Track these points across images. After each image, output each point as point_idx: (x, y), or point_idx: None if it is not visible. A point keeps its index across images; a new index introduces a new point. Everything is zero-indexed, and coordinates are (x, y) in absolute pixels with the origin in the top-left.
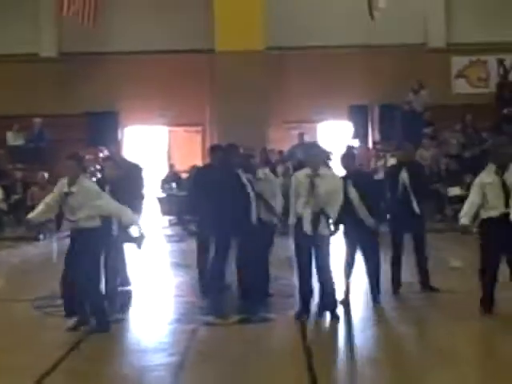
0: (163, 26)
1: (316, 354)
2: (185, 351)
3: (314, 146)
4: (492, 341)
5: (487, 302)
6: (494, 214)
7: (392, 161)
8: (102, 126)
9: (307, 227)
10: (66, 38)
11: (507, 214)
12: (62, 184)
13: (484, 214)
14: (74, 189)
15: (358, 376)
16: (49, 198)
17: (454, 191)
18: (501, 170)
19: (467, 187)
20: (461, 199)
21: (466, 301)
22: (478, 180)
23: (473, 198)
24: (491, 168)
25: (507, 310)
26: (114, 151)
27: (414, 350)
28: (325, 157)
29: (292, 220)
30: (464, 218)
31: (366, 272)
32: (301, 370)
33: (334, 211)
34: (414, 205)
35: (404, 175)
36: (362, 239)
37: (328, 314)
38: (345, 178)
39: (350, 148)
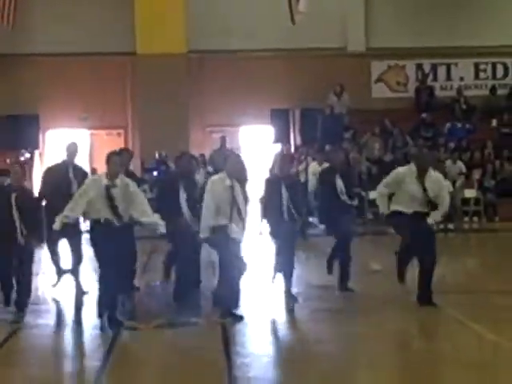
0: (84, 28)
1: (237, 356)
2: (106, 356)
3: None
4: (408, 341)
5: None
6: (406, 210)
7: (313, 165)
8: (22, 129)
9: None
10: None
11: (419, 213)
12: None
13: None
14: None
15: (277, 379)
16: None
17: (375, 195)
18: (422, 176)
19: None
20: None
21: (386, 304)
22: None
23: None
24: (413, 171)
25: (424, 310)
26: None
27: (332, 352)
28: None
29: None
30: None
31: (283, 273)
32: (221, 373)
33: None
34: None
35: (339, 181)
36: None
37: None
38: (278, 181)
39: (284, 154)
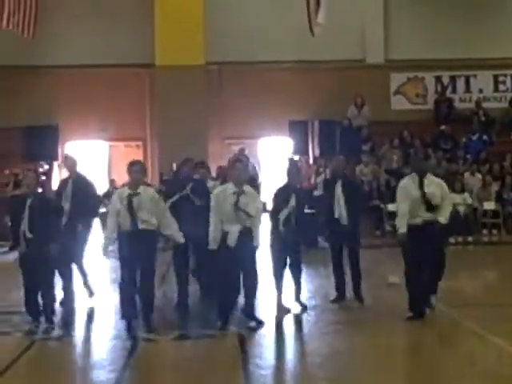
0: (103, 40)
1: (254, 368)
2: (124, 368)
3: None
4: (427, 353)
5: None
6: (417, 221)
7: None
8: (40, 141)
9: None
10: (4, 50)
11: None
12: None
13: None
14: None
15: None
16: None
17: (394, 207)
18: (420, 180)
19: None
20: None
21: (403, 316)
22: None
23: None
24: (414, 178)
25: (442, 323)
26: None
27: (349, 364)
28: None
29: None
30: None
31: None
32: None
33: (257, 227)
34: (345, 218)
35: (339, 189)
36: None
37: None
38: (288, 191)
39: (294, 162)
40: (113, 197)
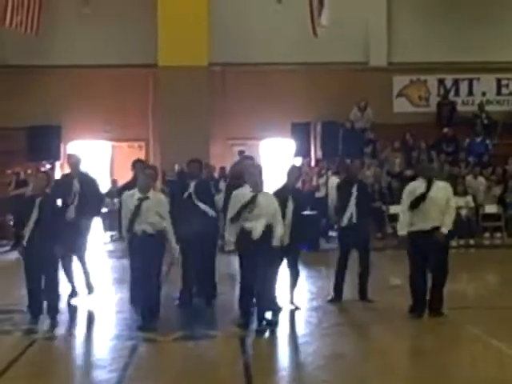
0: (107, 40)
1: (255, 370)
2: (124, 367)
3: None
4: (429, 356)
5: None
6: (424, 227)
7: (334, 179)
8: (44, 141)
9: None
10: (8, 50)
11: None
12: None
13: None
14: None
15: None
16: None
17: (395, 209)
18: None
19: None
20: None
21: (404, 318)
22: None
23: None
24: (422, 183)
25: (444, 326)
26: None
27: (350, 367)
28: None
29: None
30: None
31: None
32: None
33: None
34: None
35: (354, 193)
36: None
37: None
38: (285, 194)
39: (295, 167)
40: (126, 199)
